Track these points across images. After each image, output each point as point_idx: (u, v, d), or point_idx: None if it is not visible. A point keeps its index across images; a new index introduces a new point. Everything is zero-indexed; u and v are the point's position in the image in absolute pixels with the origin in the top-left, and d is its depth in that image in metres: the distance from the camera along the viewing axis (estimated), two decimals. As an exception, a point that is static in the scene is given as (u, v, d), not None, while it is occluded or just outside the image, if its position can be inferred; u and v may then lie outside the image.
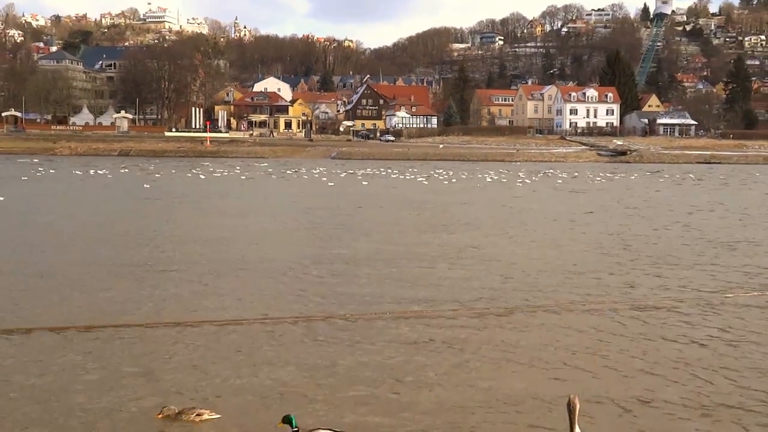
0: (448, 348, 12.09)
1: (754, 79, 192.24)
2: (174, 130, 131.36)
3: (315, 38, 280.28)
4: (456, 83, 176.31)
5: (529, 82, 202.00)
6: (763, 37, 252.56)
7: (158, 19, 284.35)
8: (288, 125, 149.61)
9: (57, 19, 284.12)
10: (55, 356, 11.40)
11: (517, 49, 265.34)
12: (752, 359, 11.73)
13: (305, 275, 17.78)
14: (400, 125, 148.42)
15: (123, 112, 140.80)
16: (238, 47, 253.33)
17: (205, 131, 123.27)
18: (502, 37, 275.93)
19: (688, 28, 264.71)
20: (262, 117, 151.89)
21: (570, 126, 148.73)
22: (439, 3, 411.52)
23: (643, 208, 36.39)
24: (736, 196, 46.00)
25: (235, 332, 12.90)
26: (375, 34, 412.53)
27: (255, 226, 27.56)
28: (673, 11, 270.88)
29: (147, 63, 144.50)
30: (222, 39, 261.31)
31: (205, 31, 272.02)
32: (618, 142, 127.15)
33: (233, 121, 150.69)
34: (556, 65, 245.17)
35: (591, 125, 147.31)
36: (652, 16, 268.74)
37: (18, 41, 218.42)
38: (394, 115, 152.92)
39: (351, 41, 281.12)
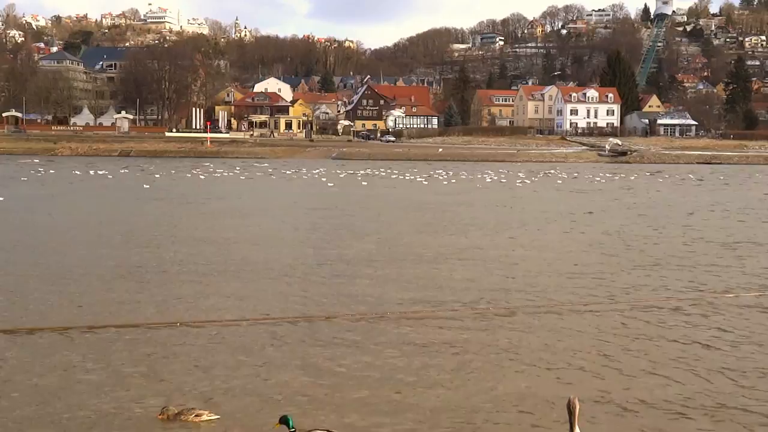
0: (449, 349, 12.09)
1: (754, 79, 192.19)
2: (174, 130, 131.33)
3: (315, 39, 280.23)
4: (456, 84, 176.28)
5: (530, 83, 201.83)
6: (763, 37, 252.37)
7: (159, 20, 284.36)
8: (288, 126, 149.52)
9: (58, 19, 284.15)
10: (58, 356, 11.42)
11: (517, 50, 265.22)
12: (754, 359, 11.73)
13: (307, 276, 17.78)
14: (397, 125, 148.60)
15: (123, 112, 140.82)
16: (238, 48, 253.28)
17: (205, 132, 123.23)
18: (503, 38, 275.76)
19: (688, 28, 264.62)
20: (263, 117, 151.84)
21: (570, 126, 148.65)
22: (439, 3, 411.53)
23: (644, 209, 36.37)
24: (736, 196, 45.97)
25: (237, 332, 12.91)
26: (375, 35, 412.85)
27: (256, 227, 27.56)
28: (673, 12, 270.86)
29: (147, 63, 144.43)
30: (222, 39, 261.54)
31: (205, 31, 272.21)
32: (614, 141, 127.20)
33: (234, 122, 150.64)
34: (557, 66, 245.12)
35: (591, 126, 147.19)
36: (652, 17, 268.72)
37: (19, 42, 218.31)
38: (389, 114, 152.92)
39: (351, 42, 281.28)
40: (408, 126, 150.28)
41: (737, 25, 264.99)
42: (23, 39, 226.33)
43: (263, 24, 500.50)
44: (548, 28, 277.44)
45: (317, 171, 65.84)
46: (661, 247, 23.32)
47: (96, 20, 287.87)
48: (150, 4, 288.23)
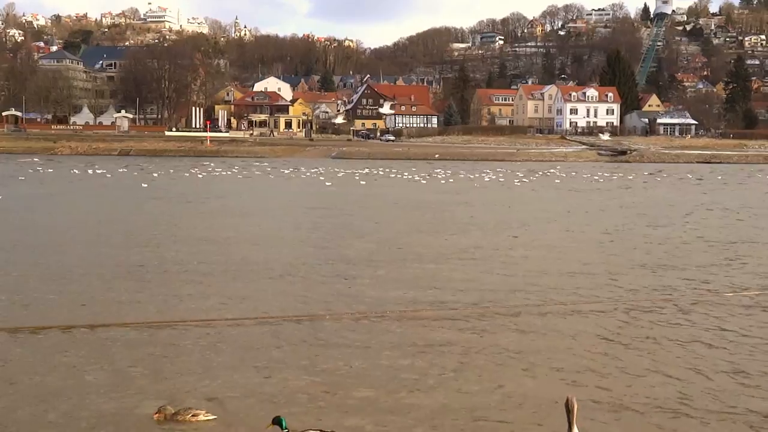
0: (451, 349, 12.08)
1: (754, 78, 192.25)
2: (174, 129, 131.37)
3: (315, 38, 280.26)
4: (456, 83, 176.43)
5: (530, 82, 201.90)
6: (763, 36, 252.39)
7: (159, 19, 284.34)
8: (288, 125, 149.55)
9: (57, 18, 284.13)
10: (60, 356, 11.42)
11: (517, 49, 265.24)
12: (757, 359, 11.72)
13: (307, 275, 17.77)
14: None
15: (123, 111, 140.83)
16: (238, 47, 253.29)
17: (205, 131, 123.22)
18: (503, 37, 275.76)
19: (688, 27, 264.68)
20: (263, 117, 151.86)
21: (570, 126, 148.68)
22: (439, 3, 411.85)
23: (643, 208, 36.36)
24: (735, 195, 45.96)
25: (238, 332, 12.92)
26: (375, 34, 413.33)
27: (255, 226, 27.55)
28: (673, 11, 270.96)
29: (147, 63, 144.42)
30: (222, 39, 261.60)
31: (205, 30, 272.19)
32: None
33: (233, 121, 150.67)
34: (557, 65, 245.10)
35: (591, 125, 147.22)
36: (652, 16, 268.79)
37: (18, 41, 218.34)
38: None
39: (351, 41, 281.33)
40: (408, 125, 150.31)
41: (737, 24, 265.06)
42: (23, 38, 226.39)
43: (263, 23, 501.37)
44: (548, 28, 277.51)
45: (315, 170, 65.79)
46: (661, 246, 23.31)
47: (96, 19, 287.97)
48: (150, 4, 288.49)
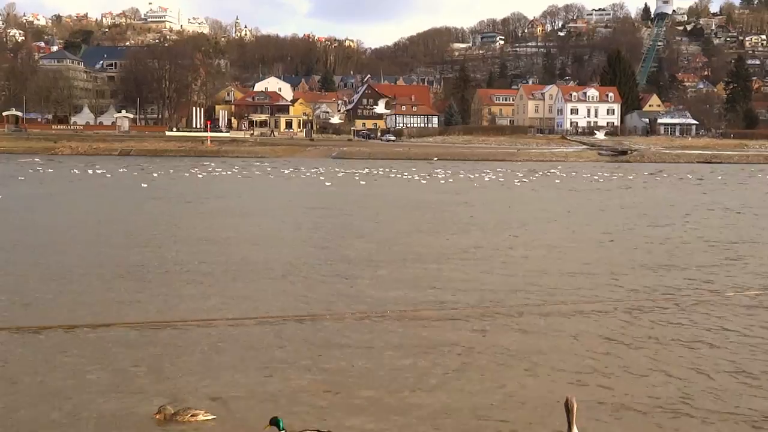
0: (453, 349, 12.05)
1: (754, 78, 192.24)
2: (175, 129, 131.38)
3: (316, 38, 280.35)
4: (457, 83, 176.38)
5: (530, 82, 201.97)
6: (763, 36, 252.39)
7: (159, 19, 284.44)
8: (289, 125, 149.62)
9: (58, 18, 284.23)
10: (61, 356, 11.40)
11: (517, 49, 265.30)
12: (759, 358, 11.69)
13: (308, 276, 17.75)
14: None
15: (124, 111, 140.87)
16: (238, 47, 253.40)
17: (205, 131, 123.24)
18: (503, 37, 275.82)
19: (689, 27, 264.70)
20: (263, 117, 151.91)
21: (571, 126, 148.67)
22: (439, 3, 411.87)
23: (644, 208, 36.33)
24: (736, 195, 45.94)
25: (239, 332, 12.90)
26: (376, 34, 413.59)
27: (255, 227, 27.54)
28: (673, 11, 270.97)
29: (148, 63, 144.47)
30: (223, 39, 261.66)
31: (206, 30, 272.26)
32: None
33: (234, 121, 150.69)
34: (557, 65, 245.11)
35: (592, 125, 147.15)
36: (653, 16, 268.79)
37: (19, 41, 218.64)
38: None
39: (352, 41, 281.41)
40: (408, 125, 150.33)
41: (737, 24, 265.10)
42: (23, 38, 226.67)
43: (263, 23, 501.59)
44: (548, 28, 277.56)
45: (316, 170, 65.80)
46: (662, 246, 23.28)
47: (96, 19, 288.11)
48: (150, 4, 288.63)
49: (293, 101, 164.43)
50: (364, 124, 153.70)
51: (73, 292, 15.65)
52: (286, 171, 65.90)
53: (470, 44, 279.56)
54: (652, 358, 11.65)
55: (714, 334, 13.06)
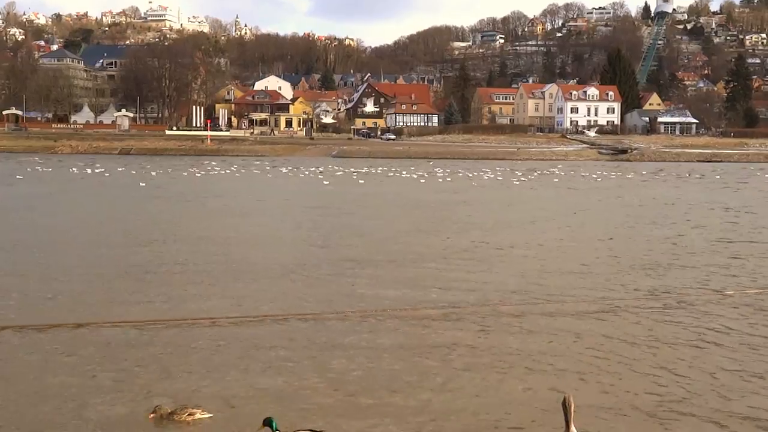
0: (454, 349, 12.01)
1: (754, 77, 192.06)
2: (175, 128, 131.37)
3: (316, 36, 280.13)
4: (457, 82, 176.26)
5: (530, 81, 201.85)
6: (764, 35, 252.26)
7: (159, 18, 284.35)
8: (289, 124, 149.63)
9: (58, 17, 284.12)
10: (63, 355, 11.38)
11: (518, 48, 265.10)
12: (761, 358, 11.67)
13: (309, 275, 17.72)
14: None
15: (124, 110, 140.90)
16: (238, 45, 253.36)
17: (205, 129, 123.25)
18: (503, 36, 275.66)
19: (689, 26, 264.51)
20: (263, 115, 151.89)
21: (571, 124, 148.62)
22: (439, 1, 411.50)
23: (644, 207, 36.33)
24: (736, 194, 45.92)
25: (240, 332, 12.85)
26: (376, 33, 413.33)
27: (255, 226, 27.54)
28: (674, 10, 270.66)
29: (148, 61, 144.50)
30: (223, 37, 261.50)
31: (205, 29, 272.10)
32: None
33: (234, 120, 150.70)
34: (557, 64, 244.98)
35: (592, 124, 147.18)
36: (653, 15, 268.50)
37: (19, 40, 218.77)
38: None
39: (352, 39, 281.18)
40: (408, 124, 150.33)
41: (738, 23, 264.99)
42: (24, 37, 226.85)
43: (263, 22, 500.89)
44: (548, 26, 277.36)
45: (316, 169, 65.80)
46: (663, 245, 23.25)
47: (96, 18, 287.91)
48: (150, 2, 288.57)
49: (293, 100, 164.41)
50: (364, 123, 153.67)
51: (73, 292, 15.63)
52: (284, 170, 65.88)
53: (470, 43, 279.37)
54: (653, 358, 11.62)
55: (715, 333, 13.03)
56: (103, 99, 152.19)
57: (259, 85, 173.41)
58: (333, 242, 23.30)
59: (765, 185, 54.94)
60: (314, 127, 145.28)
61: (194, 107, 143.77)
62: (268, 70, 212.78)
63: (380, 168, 68.52)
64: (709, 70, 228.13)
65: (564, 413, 7.86)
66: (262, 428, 8.16)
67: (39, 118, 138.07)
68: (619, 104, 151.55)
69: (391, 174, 61.33)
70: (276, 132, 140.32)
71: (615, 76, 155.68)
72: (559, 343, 12.41)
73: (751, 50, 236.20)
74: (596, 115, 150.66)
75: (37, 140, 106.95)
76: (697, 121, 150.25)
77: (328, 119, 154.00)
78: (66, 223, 27.55)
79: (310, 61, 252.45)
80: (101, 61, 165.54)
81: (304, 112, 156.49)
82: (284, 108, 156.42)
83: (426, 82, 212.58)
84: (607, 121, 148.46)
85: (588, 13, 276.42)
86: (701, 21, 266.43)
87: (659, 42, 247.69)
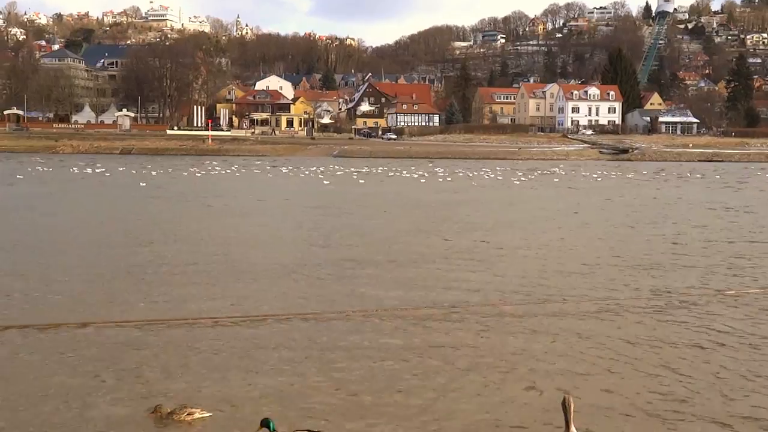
0: (455, 349, 11.99)
1: (756, 77, 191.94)
2: (176, 128, 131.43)
3: (317, 36, 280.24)
4: (458, 81, 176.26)
5: (531, 81, 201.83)
6: (765, 35, 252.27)
7: (160, 18, 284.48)
8: (290, 123, 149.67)
9: (59, 17, 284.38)
10: (64, 355, 11.36)
11: (519, 47, 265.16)
12: (763, 358, 11.65)
13: (310, 275, 17.70)
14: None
15: (125, 110, 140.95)
16: (239, 45, 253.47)
17: (206, 129, 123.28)
18: (504, 35, 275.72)
19: (690, 26, 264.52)
20: (264, 115, 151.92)
21: (572, 124, 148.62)
22: (440, 1, 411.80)
23: (645, 207, 36.29)
24: (737, 194, 45.87)
25: (242, 331, 12.83)
26: (377, 33, 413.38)
27: (256, 226, 27.53)
28: (675, 9, 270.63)
29: (149, 61, 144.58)
30: (224, 37, 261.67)
31: (207, 29, 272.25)
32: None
33: (235, 120, 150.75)
34: (558, 63, 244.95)
35: (593, 123, 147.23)
36: (654, 15, 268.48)
37: (20, 39, 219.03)
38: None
39: (353, 39, 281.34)
40: (409, 124, 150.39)
41: (739, 22, 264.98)
42: (25, 37, 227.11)
43: (264, 22, 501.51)
44: (549, 26, 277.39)
45: (317, 169, 65.78)
46: (663, 245, 23.22)
47: (97, 18, 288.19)
48: (151, 2, 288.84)
49: (294, 100, 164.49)
50: (365, 122, 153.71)
51: (73, 292, 15.62)
52: (284, 170, 65.87)
53: (471, 43, 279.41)
54: (656, 357, 11.59)
55: (717, 333, 13.00)
56: (104, 99, 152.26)
57: (260, 85, 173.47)
58: (334, 242, 23.28)
59: (766, 185, 54.87)
60: (315, 127, 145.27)
61: (195, 107, 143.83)
62: (269, 69, 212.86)
63: (381, 168, 68.49)
64: (710, 69, 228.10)
65: (564, 413, 7.84)
66: (259, 429, 8.14)
67: (40, 118, 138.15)
68: (620, 104, 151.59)
69: (392, 174, 61.32)
70: (277, 132, 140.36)
71: (616, 75, 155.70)
72: (561, 342, 12.38)
73: (752, 50, 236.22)
74: (597, 114, 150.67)
75: (39, 140, 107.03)
76: (698, 120, 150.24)
77: (328, 119, 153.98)
78: (66, 223, 27.56)
79: (311, 60, 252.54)
80: (102, 60, 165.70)
81: (305, 112, 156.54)
82: (285, 108, 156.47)
83: (427, 82, 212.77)
84: (608, 121, 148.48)
85: (589, 13, 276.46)
86: (702, 21, 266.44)
87: (660, 42, 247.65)
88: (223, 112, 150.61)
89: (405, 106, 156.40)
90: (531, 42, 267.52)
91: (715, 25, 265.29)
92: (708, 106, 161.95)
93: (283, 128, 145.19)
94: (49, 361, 11.10)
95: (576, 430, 7.83)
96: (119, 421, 9.02)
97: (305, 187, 48.11)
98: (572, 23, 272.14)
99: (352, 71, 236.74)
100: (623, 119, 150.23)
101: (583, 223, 29.66)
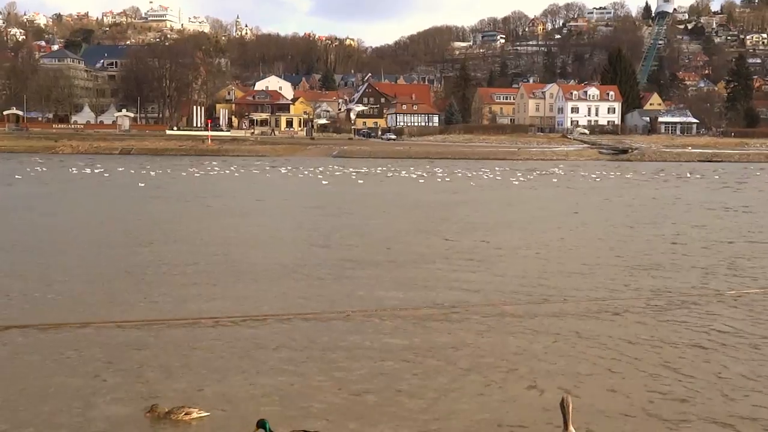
0: (456, 349, 11.98)
1: (755, 77, 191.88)
2: (175, 128, 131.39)
3: (316, 36, 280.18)
4: (457, 82, 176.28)
5: (531, 81, 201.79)
6: (764, 35, 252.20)
7: (160, 18, 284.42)
8: (289, 124, 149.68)
9: (59, 17, 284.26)
10: (64, 355, 11.35)
11: (518, 48, 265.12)
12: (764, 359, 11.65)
13: (310, 275, 17.69)
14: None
15: (124, 110, 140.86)
16: (239, 46, 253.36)
17: (206, 130, 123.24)
18: (504, 36, 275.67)
19: (689, 26, 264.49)
20: (264, 115, 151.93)
21: (571, 124, 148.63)
22: (440, 1, 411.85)
23: (644, 207, 36.30)
24: (736, 194, 45.89)
25: (242, 331, 12.82)
26: (376, 33, 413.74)
27: (255, 226, 27.51)
28: (674, 9, 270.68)
29: (148, 61, 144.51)
30: (223, 37, 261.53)
31: (206, 29, 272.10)
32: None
33: (234, 120, 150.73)
34: (558, 64, 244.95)
35: (593, 123, 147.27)
36: (653, 15, 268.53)
37: (20, 40, 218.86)
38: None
39: (352, 39, 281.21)
40: (409, 124, 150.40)
41: (738, 23, 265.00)
42: (24, 37, 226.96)
43: (264, 22, 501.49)
44: (549, 26, 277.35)
45: (316, 169, 65.77)
46: (663, 245, 23.22)
47: (97, 18, 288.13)
48: (151, 3, 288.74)
49: (294, 100, 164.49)
50: (364, 123, 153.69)
51: (73, 292, 15.61)
52: (283, 170, 65.85)
53: (471, 43, 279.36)
54: (656, 357, 11.59)
55: (718, 333, 13.00)
56: (103, 99, 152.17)
57: (259, 85, 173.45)
58: (334, 242, 23.27)
59: (765, 185, 54.88)
60: (315, 127, 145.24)
61: (195, 107, 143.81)
62: (268, 70, 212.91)
63: (380, 168, 68.50)
64: (710, 70, 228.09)
65: (562, 413, 7.84)
66: (256, 430, 8.12)
67: (40, 119, 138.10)
68: (620, 104, 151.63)
69: (391, 174, 61.33)
70: (276, 132, 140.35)
71: (615, 76, 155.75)
72: (561, 343, 12.38)
73: (751, 50, 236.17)
74: (597, 115, 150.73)
75: (38, 140, 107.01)
76: (697, 121, 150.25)
77: (323, 120, 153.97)
78: (66, 223, 27.55)
79: (311, 61, 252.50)
80: (102, 61, 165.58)
81: (305, 112, 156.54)
82: (285, 108, 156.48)
83: (426, 82, 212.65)
84: (608, 121, 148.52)
85: (588, 13, 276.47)
86: (702, 21, 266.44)
87: (660, 42, 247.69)
88: (222, 112, 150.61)
89: (404, 107, 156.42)
90: (531, 42, 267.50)
91: (714, 26, 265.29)
92: (707, 107, 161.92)
93: (282, 128, 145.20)
94: (49, 361, 11.09)
95: (575, 429, 7.82)
96: (119, 421, 9.02)
97: (305, 187, 48.12)
98: (572, 23, 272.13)
99: (352, 71, 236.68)
100: (623, 119, 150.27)
101: (583, 223, 29.66)
